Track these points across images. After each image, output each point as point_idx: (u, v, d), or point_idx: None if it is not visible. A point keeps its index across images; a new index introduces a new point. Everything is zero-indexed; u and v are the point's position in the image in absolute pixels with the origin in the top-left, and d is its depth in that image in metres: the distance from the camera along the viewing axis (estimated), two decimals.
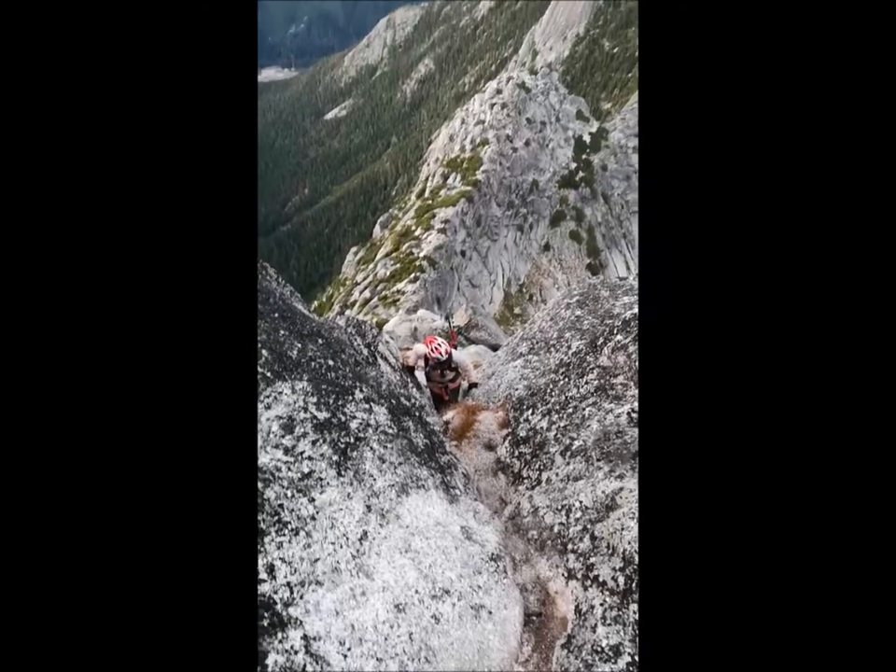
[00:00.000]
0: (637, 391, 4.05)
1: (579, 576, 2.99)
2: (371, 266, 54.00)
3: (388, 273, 49.60)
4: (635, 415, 3.76)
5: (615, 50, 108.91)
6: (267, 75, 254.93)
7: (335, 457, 3.01)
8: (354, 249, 67.12)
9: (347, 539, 2.65)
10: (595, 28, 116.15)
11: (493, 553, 3.11)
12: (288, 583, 2.34)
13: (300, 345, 3.79)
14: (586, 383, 4.55)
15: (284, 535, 2.48)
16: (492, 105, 68.07)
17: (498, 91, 70.34)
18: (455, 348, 7.93)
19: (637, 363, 4.17)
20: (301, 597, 2.33)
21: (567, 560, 3.12)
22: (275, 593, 2.28)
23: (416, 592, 2.65)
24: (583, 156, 67.37)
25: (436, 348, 6.97)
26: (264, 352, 3.47)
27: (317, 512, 2.67)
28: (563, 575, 3.09)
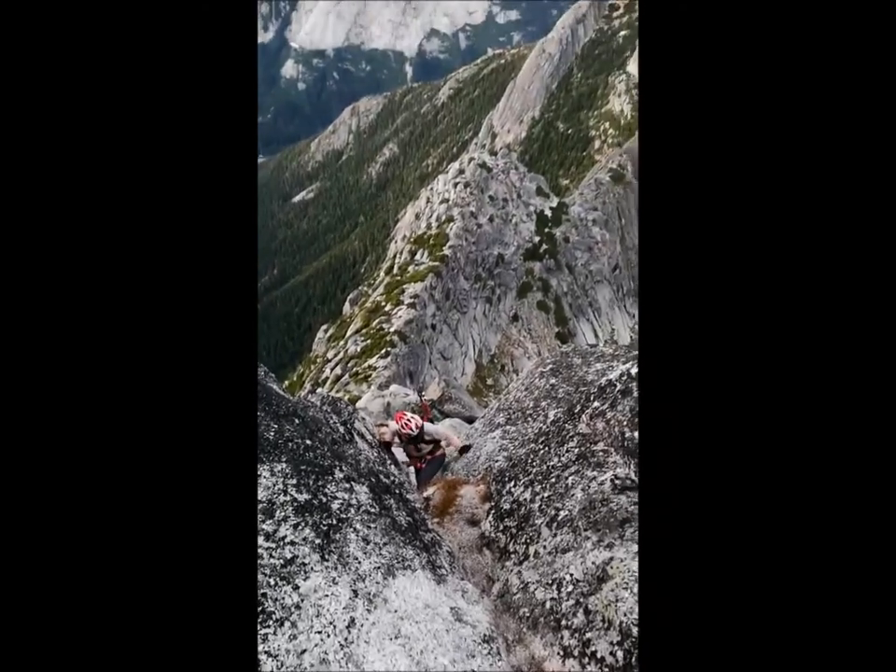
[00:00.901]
0: (618, 457, 4.05)
1: (575, 653, 2.88)
2: (342, 343, 53.94)
3: (359, 350, 49.53)
4: (618, 482, 3.75)
5: (569, 131, 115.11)
6: None
7: (318, 541, 2.92)
8: (324, 327, 67.13)
9: (334, 627, 2.54)
10: (549, 111, 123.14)
11: (485, 635, 3.00)
12: None
13: (276, 426, 3.74)
14: (567, 451, 4.54)
15: (268, 626, 2.36)
16: (455, 185, 70.60)
17: (461, 171, 73.17)
18: (431, 422, 7.85)
19: (616, 429, 4.19)
20: None
21: (562, 637, 3.02)
22: None
23: None
24: (546, 229, 69.72)
25: (406, 424, 6.90)
26: None
27: (302, 600, 2.56)
28: (559, 653, 2.97)
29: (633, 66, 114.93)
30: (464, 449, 7.21)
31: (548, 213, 71.80)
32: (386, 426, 7.20)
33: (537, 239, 68.61)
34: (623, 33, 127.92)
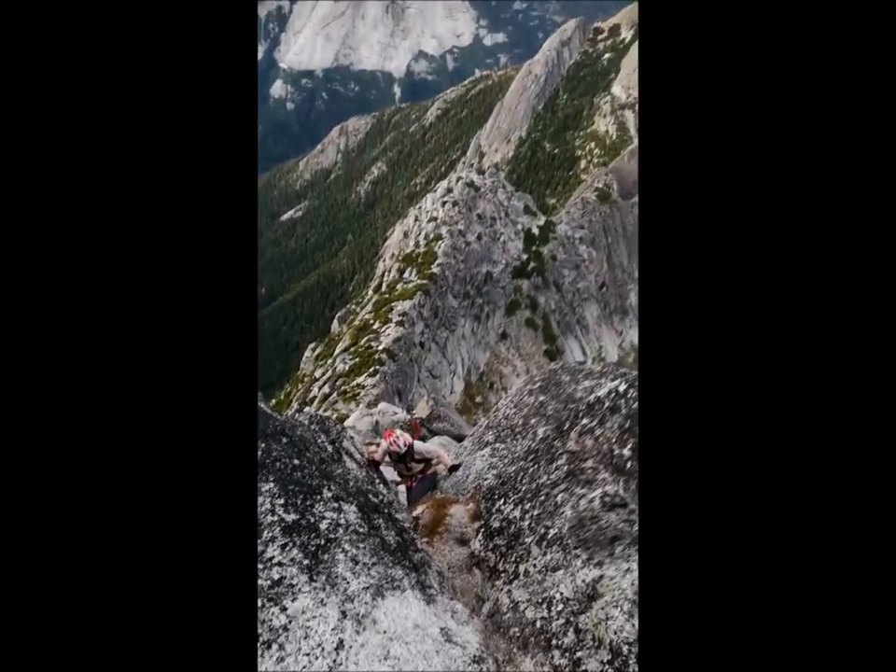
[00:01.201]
0: (607, 475, 4.05)
1: None
2: (330, 361, 53.69)
3: (347, 368, 49.29)
4: (608, 499, 3.75)
5: (555, 151, 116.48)
6: None
7: (306, 561, 2.89)
8: (312, 345, 66.83)
9: (323, 649, 2.50)
10: (536, 132, 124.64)
11: (475, 656, 2.97)
12: None
13: (263, 445, 3.71)
14: (556, 468, 4.53)
15: (256, 648, 2.33)
16: (443, 203, 71.07)
17: (449, 190, 73.73)
18: (423, 440, 7.82)
19: (605, 446, 4.20)
20: None
21: (553, 657, 3.00)
22: None
23: None
24: (533, 248, 70.23)
25: (394, 441, 6.87)
26: None
27: (290, 622, 2.53)
28: None
29: (617, 88, 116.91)
30: (453, 468, 7.17)
31: (535, 231, 72.37)
32: (377, 444, 7.16)
33: (525, 257, 69.06)
34: (607, 56, 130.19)
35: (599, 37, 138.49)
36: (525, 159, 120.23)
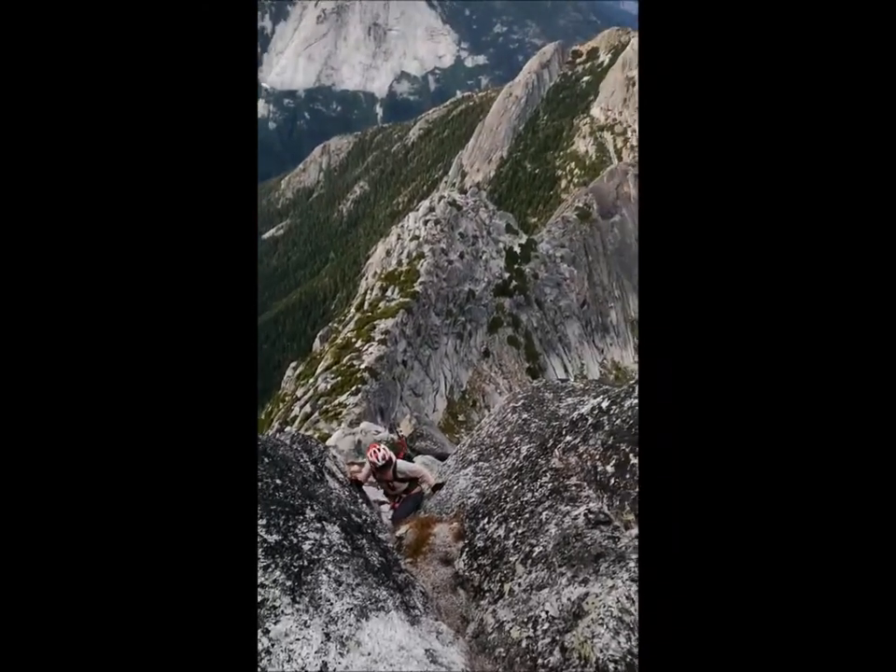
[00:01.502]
0: (591, 492, 4.06)
1: None
2: (312, 380, 53.37)
3: (329, 387, 49.04)
4: (592, 516, 3.75)
5: (536, 171, 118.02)
6: None
7: (289, 583, 2.85)
8: (293, 364, 66.45)
9: None
10: (517, 152, 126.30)
11: None
12: None
13: None
14: (540, 486, 4.53)
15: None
16: (426, 222, 71.47)
17: (431, 209, 74.19)
18: (410, 459, 7.75)
19: (588, 463, 4.22)
20: None
21: None
22: None
23: None
24: (515, 266, 70.80)
25: (374, 453, 6.83)
26: None
27: (273, 645, 2.48)
28: None
29: (596, 110, 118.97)
30: (437, 486, 7.14)
31: (517, 250, 73.02)
32: (360, 464, 7.11)
33: (507, 275, 69.59)
34: (585, 78, 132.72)
35: (578, 60, 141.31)
36: (506, 178, 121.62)
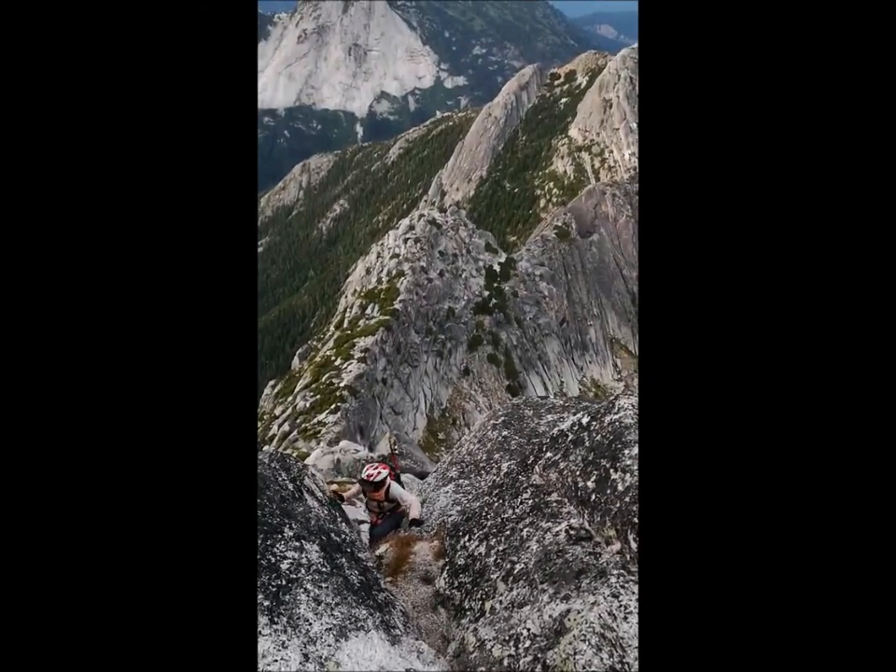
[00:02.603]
0: (572, 507, 4.06)
1: None
2: (291, 398, 52.85)
3: (308, 405, 48.60)
4: (573, 532, 3.74)
5: (515, 190, 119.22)
6: None
7: (266, 602, 2.80)
8: (272, 382, 65.73)
9: None
10: (496, 171, 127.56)
11: None
12: None
13: None
14: (521, 503, 4.52)
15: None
16: (406, 240, 71.73)
17: (411, 227, 74.52)
18: (399, 480, 7.59)
19: (569, 479, 4.22)
20: None
21: None
22: None
23: None
24: (495, 284, 71.20)
25: (372, 470, 6.74)
26: None
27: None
28: None
29: (574, 131, 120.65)
30: (415, 522, 6.95)
31: (497, 268, 73.49)
32: (341, 483, 6.98)
33: (486, 293, 69.91)
34: (563, 100, 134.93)
35: (556, 82, 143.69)
36: (485, 197, 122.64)
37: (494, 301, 69.45)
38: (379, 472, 6.75)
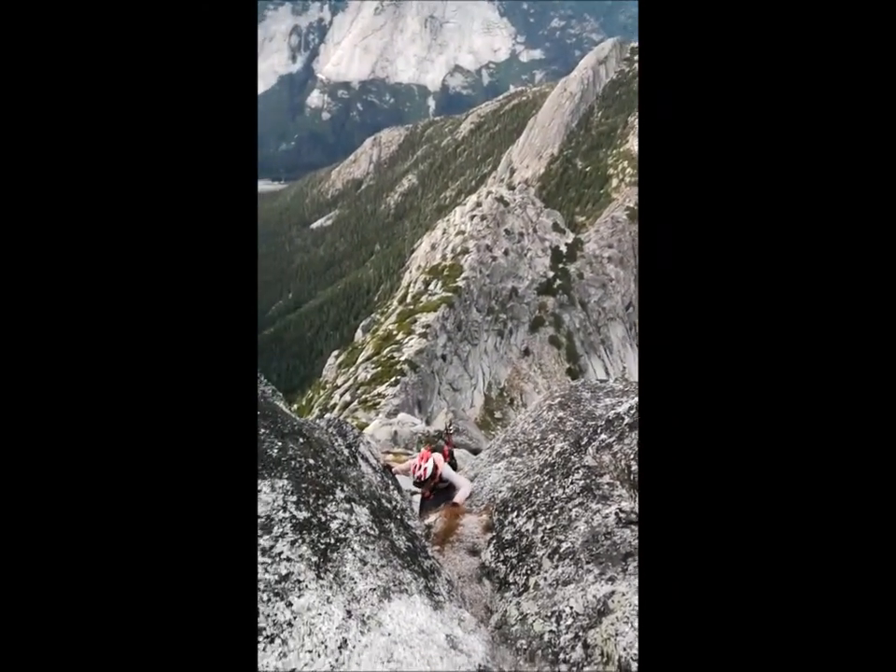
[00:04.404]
0: (623, 491, 3.99)
1: None
2: (353, 369, 53.97)
3: (369, 377, 49.51)
4: (623, 515, 3.68)
5: (587, 169, 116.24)
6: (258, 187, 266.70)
7: (314, 559, 2.88)
8: (335, 353, 67.23)
9: (326, 647, 2.48)
10: (569, 148, 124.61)
11: (481, 665, 2.92)
12: None
13: (280, 444, 3.72)
14: (572, 483, 4.48)
15: (259, 642, 2.32)
16: (472, 217, 71.32)
17: (478, 204, 73.98)
18: (453, 464, 7.54)
19: (622, 462, 4.14)
20: None
21: (559, 670, 2.94)
22: None
23: None
24: (560, 265, 70.03)
25: (419, 469, 6.68)
26: None
27: (295, 618, 2.51)
28: None
29: None
30: (455, 505, 6.88)
31: (563, 249, 72.21)
32: (394, 454, 7.03)
33: (551, 274, 68.89)
34: None
35: (636, 57, 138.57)
36: (556, 175, 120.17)
37: (558, 282, 68.38)
38: (425, 470, 6.68)
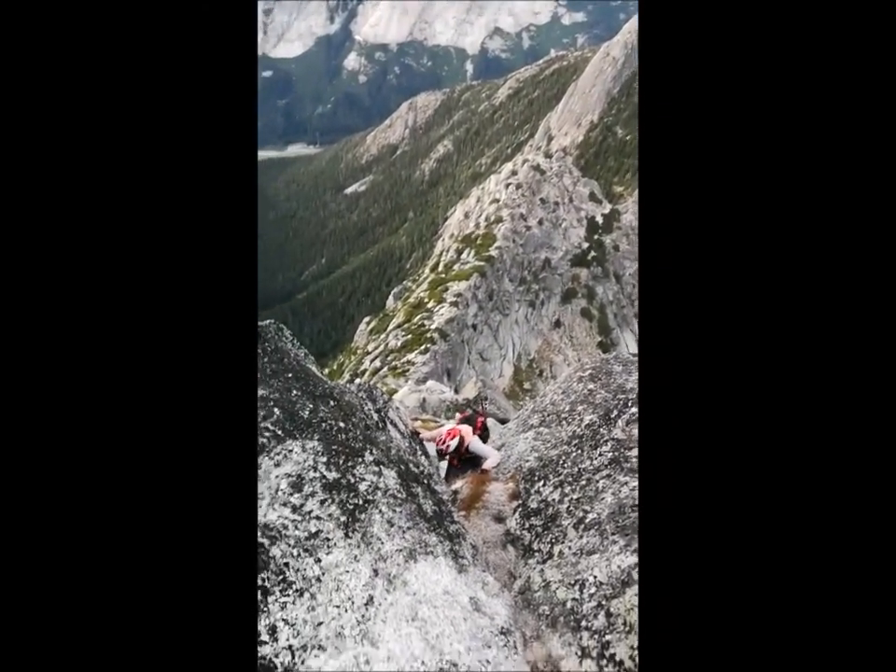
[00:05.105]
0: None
1: (594, 654, 2.84)
2: (383, 336, 54.35)
3: (399, 344, 49.82)
4: None
5: (628, 137, 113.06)
6: (292, 150, 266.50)
7: (343, 518, 2.95)
8: (367, 319, 67.68)
9: (353, 603, 2.56)
10: (609, 116, 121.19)
11: (503, 627, 2.98)
12: (290, 647, 2.24)
13: (311, 406, 3.78)
14: (600, 455, 4.47)
15: (288, 595, 2.39)
16: (507, 185, 70.33)
17: (514, 173, 72.84)
18: (485, 435, 7.49)
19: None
20: (303, 662, 2.23)
21: (581, 637, 2.97)
22: (276, 656, 2.18)
23: (422, 664, 2.52)
24: (595, 236, 68.85)
25: (440, 448, 6.68)
26: (276, 410, 3.47)
27: (323, 574, 2.58)
28: (576, 653, 2.93)
29: None
30: (483, 472, 6.87)
31: (599, 219, 70.89)
32: (426, 421, 7.03)
33: (585, 245, 67.81)
34: None
35: None
36: (594, 144, 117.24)
37: (593, 253, 67.32)
38: (448, 447, 6.68)
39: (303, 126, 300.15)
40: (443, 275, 60.40)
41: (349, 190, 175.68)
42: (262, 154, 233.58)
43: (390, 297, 72.39)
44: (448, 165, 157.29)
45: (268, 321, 4.74)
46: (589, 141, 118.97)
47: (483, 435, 7.31)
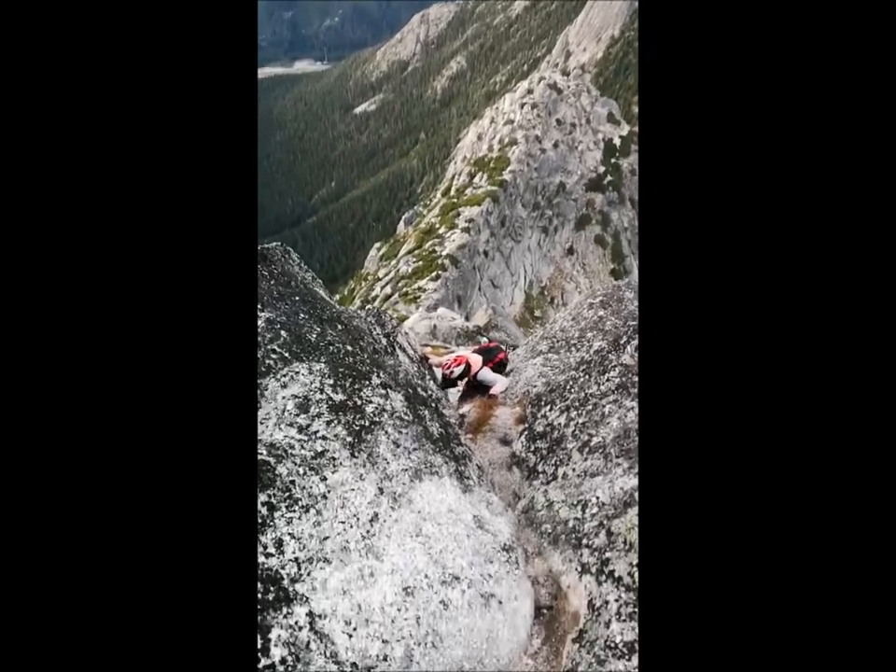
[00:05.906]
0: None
1: (593, 570, 2.92)
2: (394, 262, 54.06)
3: (410, 270, 49.60)
4: None
5: None
6: (299, 66, 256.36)
7: (349, 439, 2.98)
8: (377, 245, 67.12)
9: (358, 519, 2.62)
10: (631, 30, 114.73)
11: (505, 544, 3.06)
12: (296, 559, 2.31)
13: (319, 329, 3.77)
14: (607, 380, 4.47)
15: (294, 511, 2.45)
16: (522, 105, 67.75)
17: (529, 91, 70.01)
18: (501, 365, 7.50)
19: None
20: (309, 574, 2.30)
21: (582, 555, 3.06)
22: (282, 568, 2.25)
23: (426, 576, 2.60)
24: (612, 160, 66.78)
25: (445, 372, 6.69)
26: (283, 333, 3.46)
27: (329, 491, 2.64)
28: (576, 569, 3.02)
29: None
30: (491, 397, 6.92)
31: (617, 142, 68.55)
32: (436, 347, 7.04)
33: (602, 169, 65.92)
34: None
35: None
36: (615, 61, 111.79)
37: (609, 177, 65.51)
38: (452, 371, 6.68)
39: (310, 41, 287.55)
40: (455, 200, 59.29)
41: (358, 110, 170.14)
42: (269, 70, 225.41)
43: (401, 222, 71.48)
44: (461, 83, 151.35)
45: (274, 243, 4.67)
46: (609, 57, 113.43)
47: (498, 369, 7.28)
